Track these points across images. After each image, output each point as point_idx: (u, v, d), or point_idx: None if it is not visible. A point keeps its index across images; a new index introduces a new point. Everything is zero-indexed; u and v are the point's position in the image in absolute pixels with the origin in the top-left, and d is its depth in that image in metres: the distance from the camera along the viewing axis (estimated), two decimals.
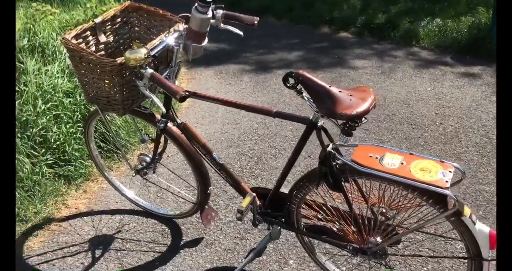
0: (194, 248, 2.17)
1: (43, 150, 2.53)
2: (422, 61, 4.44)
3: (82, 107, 2.83)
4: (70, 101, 2.79)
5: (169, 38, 1.55)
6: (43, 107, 2.60)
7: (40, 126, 2.54)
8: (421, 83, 3.94)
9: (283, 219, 1.82)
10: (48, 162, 2.54)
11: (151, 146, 2.03)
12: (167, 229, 2.30)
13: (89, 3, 3.38)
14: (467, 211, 1.36)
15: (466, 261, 1.52)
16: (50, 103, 2.65)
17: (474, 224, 1.37)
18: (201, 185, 1.99)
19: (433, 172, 1.32)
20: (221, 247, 2.17)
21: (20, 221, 2.31)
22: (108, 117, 2.57)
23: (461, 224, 1.37)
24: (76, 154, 2.65)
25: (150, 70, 1.43)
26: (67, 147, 2.61)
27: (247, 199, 1.75)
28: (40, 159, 2.49)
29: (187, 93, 1.36)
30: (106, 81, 1.58)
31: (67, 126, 2.67)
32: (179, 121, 1.80)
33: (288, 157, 2.88)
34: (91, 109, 2.84)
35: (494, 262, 1.66)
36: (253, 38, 5.13)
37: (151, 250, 2.17)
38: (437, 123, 3.27)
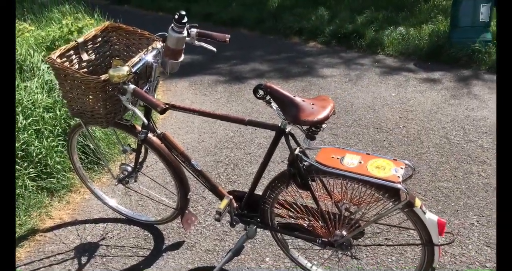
0: (176, 251, 2.29)
1: (25, 164, 2.61)
2: (387, 68, 4.71)
3: (62, 121, 2.93)
4: (50, 116, 2.88)
5: (148, 56, 1.70)
6: (24, 122, 2.69)
7: (22, 141, 2.63)
8: (386, 89, 4.18)
9: (258, 219, 1.97)
10: (30, 175, 2.63)
11: (132, 156, 2.16)
12: (149, 235, 2.42)
13: (64, 20, 3.48)
14: (418, 202, 1.55)
15: (420, 248, 1.70)
16: (31, 118, 2.74)
17: (425, 213, 1.55)
18: (181, 191, 2.13)
19: (386, 169, 1.50)
20: (201, 249, 2.31)
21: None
22: (91, 130, 2.67)
23: (413, 214, 1.56)
24: (58, 166, 2.74)
25: (132, 86, 1.57)
26: (49, 160, 2.70)
27: (225, 201, 1.90)
28: (22, 173, 2.58)
29: (167, 105, 1.50)
30: (90, 96, 1.71)
31: (48, 140, 2.76)
32: (158, 131, 1.93)
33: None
34: (72, 123, 2.95)
35: (443, 247, 1.85)
36: (226, 50, 5.30)
37: (135, 254, 2.28)
38: (401, 127, 3.49)
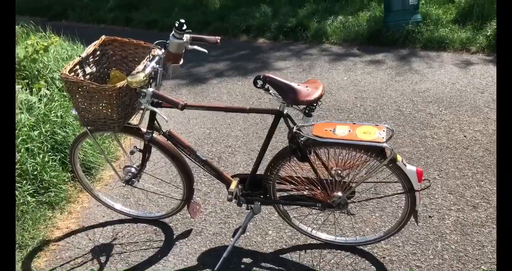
0: (187, 238, 2.51)
1: (24, 181, 2.71)
2: (335, 56, 5.12)
3: (48, 138, 3.03)
4: (36, 134, 2.97)
5: (153, 62, 1.91)
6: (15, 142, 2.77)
7: (16, 160, 2.72)
8: (338, 74, 4.58)
9: (261, 196, 2.25)
10: (29, 191, 2.72)
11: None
12: (157, 229, 2.61)
13: (29, 40, 3.54)
14: (399, 158, 1.89)
15: (403, 196, 2.05)
16: (20, 138, 2.83)
17: (405, 166, 1.90)
18: (186, 182, 2.35)
19: (372, 133, 1.82)
20: (209, 233, 2.54)
21: (19, 247, 2.49)
22: (91, 139, 2.77)
23: (397, 167, 1.90)
24: (54, 180, 2.85)
25: (151, 89, 1.79)
26: (44, 175, 2.81)
27: (234, 183, 2.15)
28: (23, 189, 2.67)
29: (185, 102, 1.73)
30: (104, 104, 1.90)
31: (40, 156, 2.86)
32: (164, 130, 2.15)
33: (243, 152, 3.33)
34: (58, 138, 3.06)
35: (423, 192, 2.18)
36: None
37: (150, 247, 2.48)
38: (358, 105, 3.89)
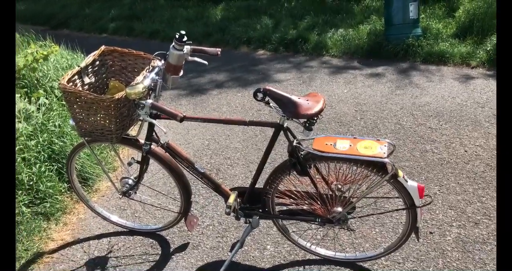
0: (183, 252, 2.47)
1: (19, 191, 2.67)
2: (335, 68, 5.12)
3: (46, 148, 3.00)
4: (33, 143, 2.94)
5: (153, 73, 1.89)
6: None
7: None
8: (338, 87, 4.57)
9: (260, 210, 2.21)
10: (25, 202, 2.68)
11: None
12: (154, 242, 2.57)
13: (29, 48, 3.53)
14: (400, 173, 1.86)
15: (404, 212, 2.01)
16: (17, 146, 2.80)
17: (407, 181, 1.87)
18: (184, 195, 2.32)
19: (373, 148, 1.80)
20: (206, 247, 2.50)
21: None
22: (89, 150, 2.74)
23: (398, 183, 1.87)
24: (50, 190, 2.81)
25: (149, 101, 1.76)
26: (40, 185, 2.77)
27: (232, 196, 2.12)
28: (18, 199, 2.63)
29: (184, 115, 1.71)
30: (102, 115, 1.88)
31: (36, 166, 2.82)
32: (162, 141, 2.12)
33: (242, 165, 3.30)
34: (55, 148, 3.03)
35: (424, 208, 2.15)
36: None
37: (146, 260, 2.43)
38: (358, 118, 3.87)
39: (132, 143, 2.17)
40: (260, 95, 1.80)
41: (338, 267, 2.28)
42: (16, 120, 3.03)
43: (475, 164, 3.06)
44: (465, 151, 3.23)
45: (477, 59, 4.76)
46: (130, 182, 2.36)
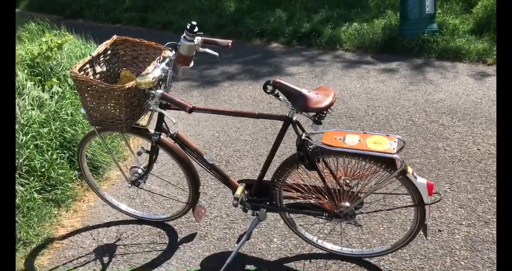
0: (191, 242, 2.49)
1: (31, 178, 2.71)
2: (348, 62, 5.08)
3: (58, 135, 3.03)
4: (45, 131, 2.98)
5: (163, 64, 1.89)
6: (23, 139, 2.78)
7: (24, 157, 2.72)
8: (350, 81, 4.54)
9: (267, 202, 2.21)
10: (36, 188, 2.72)
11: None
12: (162, 231, 2.59)
13: (44, 37, 3.56)
14: (409, 169, 1.85)
15: (413, 209, 1.99)
16: (30, 134, 2.84)
17: (416, 178, 1.85)
18: (192, 185, 2.33)
19: (383, 144, 1.78)
20: (214, 238, 2.51)
21: (24, 244, 2.49)
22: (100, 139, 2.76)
23: (407, 180, 1.85)
24: (61, 178, 2.85)
25: (160, 91, 1.77)
26: (52, 172, 2.81)
27: (240, 188, 2.12)
28: (30, 186, 2.67)
29: (193, 106, 1.71)
30: (112, 104, 1.89)
31: (48, 153, 2.86)
32: (172, 132, 2.13)
33: (252, 157, 3.30)
34: (67, 136, 3.07)
35: (433, 205, 2.12)
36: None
37: (153, 249, 2.46)
38: (370, 114, 3.84)
39: (142, 132, 2.18)
40: (269, 87, 1.79)
41: (344, 261, 2.28)
42: (30, 108, 3.07)
43: (487, 163, 3.02)
44: (478, 149, 3.18)
45: (494, 56, 4.68)
46: (140, 171, 2.38)
